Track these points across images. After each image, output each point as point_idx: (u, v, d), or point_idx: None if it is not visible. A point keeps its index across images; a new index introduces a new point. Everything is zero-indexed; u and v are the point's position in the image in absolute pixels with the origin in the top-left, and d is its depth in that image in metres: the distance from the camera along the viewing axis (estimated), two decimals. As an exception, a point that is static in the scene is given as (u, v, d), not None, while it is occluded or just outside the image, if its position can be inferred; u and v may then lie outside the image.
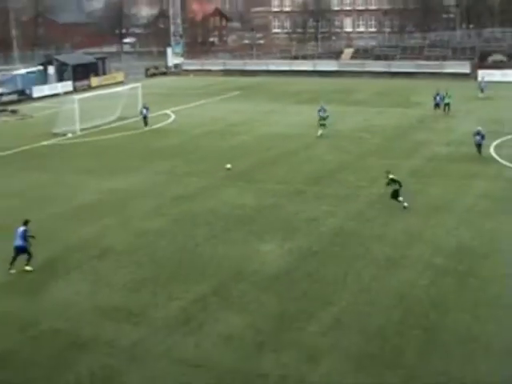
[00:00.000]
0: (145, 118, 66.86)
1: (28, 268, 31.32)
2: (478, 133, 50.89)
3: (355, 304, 27.36)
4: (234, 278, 30.28)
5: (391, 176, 38.17)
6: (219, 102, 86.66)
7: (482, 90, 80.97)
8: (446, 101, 69.18)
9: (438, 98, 69.43)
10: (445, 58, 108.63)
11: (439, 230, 35.77)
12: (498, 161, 49.92)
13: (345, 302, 27.51)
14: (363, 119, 69.71)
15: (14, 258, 31.20)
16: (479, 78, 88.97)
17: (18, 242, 31.25)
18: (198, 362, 23.27)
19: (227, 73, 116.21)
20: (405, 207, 38.17)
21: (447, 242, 33.92)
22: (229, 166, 41.16)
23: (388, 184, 38.45)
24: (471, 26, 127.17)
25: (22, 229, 31.36)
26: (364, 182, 44.51)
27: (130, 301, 28.22)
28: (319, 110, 59.83)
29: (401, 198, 38.29)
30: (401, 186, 38.20)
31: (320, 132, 57.34)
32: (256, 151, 54.92)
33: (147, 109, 67.36)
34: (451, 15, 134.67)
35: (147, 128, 65.99)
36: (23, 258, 31.27)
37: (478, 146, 50.91)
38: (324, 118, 58.86)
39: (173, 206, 40.77)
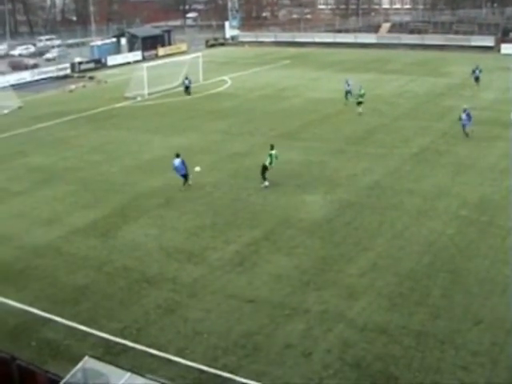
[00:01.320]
0: (187, 87, 65.53)
1: (190, 182, 36.06)
2: (464, 110, 45.38)
3: (389, 249, 27.30)
4: (282, 224, 30.35)
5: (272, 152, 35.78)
6: (271, 69, 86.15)
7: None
8: (477, 75, 65.98)
9: (477, 71, 67.25)
10: (471, 33, 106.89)
11: (464, 185, 35.45)
12: (517, 124, 49.18)
13: (380, 248, 27.46)
14: (398, 86, 68.98)
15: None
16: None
17: (182, 171, 35.56)
18: (250, 298, 23.45)
19: (278, 44, 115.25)
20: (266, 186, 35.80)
21: (471, 196, 33.64)
22: (198, 168, 38.01)
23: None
24: (495, 4, 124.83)
25: (178, 160, 35.36)
26: (398, 142, 44.13)
27: (191, 243, 28.44)
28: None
29: (267, 183, 35.87)
30: (271, 164, 35.53)
31: (359, 110, 52.80)
32: (303, 113, 54.63)
33: (189, 80, 66.11)
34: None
35: (191, 96, 64.77)
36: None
37: (463, 126, 45.37)
38: (362, 95, 53.37)
39: (228, 162, 40.80)
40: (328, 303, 22.95)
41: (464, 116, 45.03)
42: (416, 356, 19.67)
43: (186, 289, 24.33)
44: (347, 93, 57.88)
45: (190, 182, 35.97)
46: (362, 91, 53.45)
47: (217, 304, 23.12)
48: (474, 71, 66.82)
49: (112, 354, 20.07)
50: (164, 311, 22.75)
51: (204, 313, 22.55)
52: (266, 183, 35.59)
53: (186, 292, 24.09)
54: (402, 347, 20.14)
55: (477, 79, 66.12)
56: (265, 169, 35.49)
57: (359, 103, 52.69)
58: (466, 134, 45.18)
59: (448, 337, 20.62)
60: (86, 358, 16.11)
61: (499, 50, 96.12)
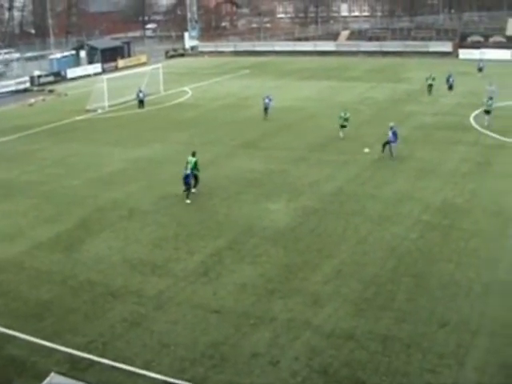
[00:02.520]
0: (141, 101, 64.66)
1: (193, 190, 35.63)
2: (391, 128, 42.11)
3: (353, 255, 27.37)
4: (246, 233, 30.31)
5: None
6: (231, 79, 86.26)
7: (480, 70, 77.71)
8: (430, 82, 66.06)
9: (451, 79, 67.36)
10: (429, 39, 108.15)
11: (426, 190, 35.75)
12: (476, 129, 49.74)
13: (344, 254, 27.52)
14: (358, 93, 69.48)
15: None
16: (479, 58, 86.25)
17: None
18: (215, 308, 23.34)
19: (238, 54, 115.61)
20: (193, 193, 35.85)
21: (433, 201, 33.93)
22: (367, 150, 39.37)
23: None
24: (452, 10, 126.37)
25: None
26: (360, 149, 44.31)
27: (155, 255, 28.27)
28: (341, 116, 48.61)
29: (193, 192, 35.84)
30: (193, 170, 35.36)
31: (341, 135, 47.76)
32: (264, 122, 54.67)
33: (143, 93, 65.36)
34: (435, 1, 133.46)
35: (144, 110, 63.84)
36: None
37: (387, 142, 42.15)
38: (346, 119, 48.05)
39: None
40: (294, 311, 22.93)
41: (390, 134, 41.77)
42: (383, 360, 19.72)
43: (151, 301, 24.17)
44: (266, 109, 56.09)
45: (193, 190, 35.84)
46: (348, 115, 48.30)
47: (182, 315, 22.99)
48: (447, 79, 67.15)
49: (78, 370, 19.84)
50: (129, 324, 22.56)
51: (170, 325, 22.41)
52: (193, 193, 35.50)
53: (151, 304, 23.93)
54: (369, 352, 20.18)
55: (450, 87, 66.44)
56: (187, 178, 35.04)
57: (342, 126, 47.91)
58: (391, 154, 41.95)
59: (414, 340, 20.70)
60: (52, 374, 15.97)
61: (457, 56, 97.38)
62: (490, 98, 50.13)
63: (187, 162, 35.17)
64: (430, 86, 66.11)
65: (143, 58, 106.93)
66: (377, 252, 27.62)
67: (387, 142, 41.99)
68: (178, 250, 28.77)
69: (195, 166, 35.31)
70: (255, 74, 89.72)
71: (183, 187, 34.67)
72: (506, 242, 28.30)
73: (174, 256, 28.08)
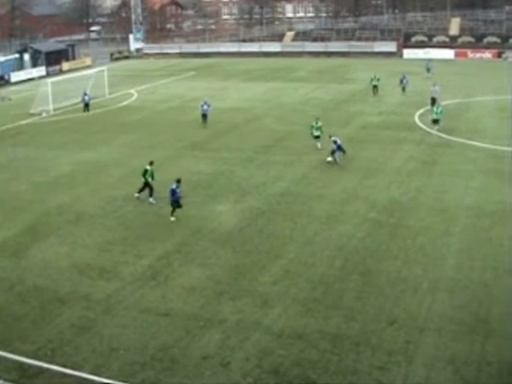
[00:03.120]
0: (86, 104, 63.73)
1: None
2: (335, 142, 40.75)
3: (301, 255, 27.53)
4: (194, 236, 30.28)
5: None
6: (177, 81, 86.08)
7: (428, 70, 77.73)
8: (375, 83, 66.20)
9: (404, 80, 67.57)
10: (374, 39, 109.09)
11: (372, 188, 36.12)
12: (421, 127, 50.37)
13: (292, 254, 27.66)
14: (304, 93, 69.86)
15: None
16: (427, 59, 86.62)
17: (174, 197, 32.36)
18: (164, 311, 23.28)
19: (183, 55, 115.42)
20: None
21: (380, 199, 34.30)
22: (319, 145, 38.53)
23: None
24: (396, 11, 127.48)
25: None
26: (306, 149, 44.58)
27: (103, 259, 28.08)
28: (312, 125, 45.39)
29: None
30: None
31: (318, 145, 44.45)
32: (210, 123, 54.58)
33: (89, 96, 64.38)
34: (379, 1, 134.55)
35: (89, 113, 63.13)
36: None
37: (332, 152, 40.96)
38: (318, 129, 44.59)
39: (138, 175, 40.29)
40: (243, 312, 22.97)
41: (335, 146, 40.62)
42: (332, 359, 19.86)
43: (100, 305, 23.99)
44: (204, 115, 54.40)
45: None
46: (320, 124, 45.05)
47: (132, 319, 22.87)
48: (401, 81, 67.47)
49: (27, 377, 19.61)
50: (78, 329, 22.35)
51: (119, 329, 22.27)
52: (137, 198, 35.71)
53: (100, 309, 23.75)
54: (319, 351, 20.30)
55: (403, 89, 66.77)
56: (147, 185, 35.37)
57: (316, 137, 44.78)
58: (335, 161, 40.95)
59: (363, 338, 20.89)
60: (1, 382, 15.76)
61: (401, 56, 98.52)
62: (438, 107, 49.01)
63: (145, 171, 35.12)
64: (375, 86, 66.45)
65: (88, 61, 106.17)
66: (324, 251, 27.80)
67: (333, 152, 40.82)
68: (125, 253, 28.61)
69: (146, 174, 35.23)
70: (201, 76, 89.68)
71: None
72: (451, 239, 28.71)
73: (121, 260, 27.92)
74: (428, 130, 49.09)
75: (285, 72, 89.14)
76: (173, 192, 32.04)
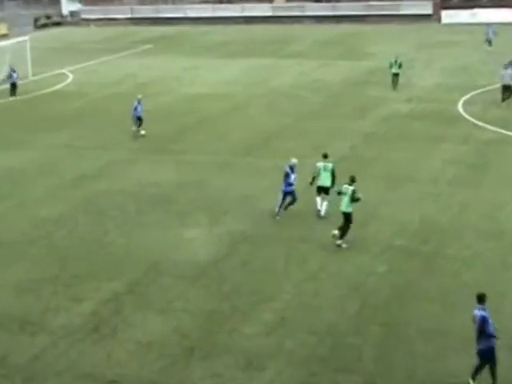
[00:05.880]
0: (13, 84, 63.98)
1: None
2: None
3: (301, 296, 27.51)
4: (152, 271, 30.20)
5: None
6: (127, 57, 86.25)
7: (489, 42, 76.57)
8: (395, 71, 60.92)
9: (490, 31, 67.24)
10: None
11: (399, 204, 36.07)
12: (467, 119, 50.44)
13: (288, 295, 27.64)
14: (302, 73, 70.03)
15: None
16: (486, 26, 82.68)
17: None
18: (111, 377, 23.07)
19: (136, 22, 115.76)
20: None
21: (409, 219, 34.23)
22: None
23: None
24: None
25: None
26: (307, 150, 44.47)
27: (26, 305, 27.91)
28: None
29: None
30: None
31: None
32: (175, 116, 54.75)
33: (15, 72, 64.53)
34: None
35: (17, 97, 63.75)
36: None
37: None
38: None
39: (74, 188, 40.35)
40: (221, 376, 22.84)
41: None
42: None
43: (21, 371, 23.71)
44: (139, 118, 50.74)
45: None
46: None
47: (64, 389, 22.80)
48: (487, 32, 67.32)
49: None
50: (-10, 407, 22.29)
51: (47, 403, 22.20)
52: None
53: (21, 376, 23.47)
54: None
55: (489, 42, 66.54)
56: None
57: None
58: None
59: (387, 413, 20.90)
60: None
61: (439, 20, 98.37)
62: None
63: None
64: (396, 75, 61.24)
65: (3, 29, 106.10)
66: (333, 292, 27.78)
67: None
68: (57, 295, 28.45)
69: None
70: (162, 50, 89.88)
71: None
72: (511, 274, 28.63)
73: (52, 305, 27.76)
74: (477, 122, 49.08)
75: (277, 45, 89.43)
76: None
